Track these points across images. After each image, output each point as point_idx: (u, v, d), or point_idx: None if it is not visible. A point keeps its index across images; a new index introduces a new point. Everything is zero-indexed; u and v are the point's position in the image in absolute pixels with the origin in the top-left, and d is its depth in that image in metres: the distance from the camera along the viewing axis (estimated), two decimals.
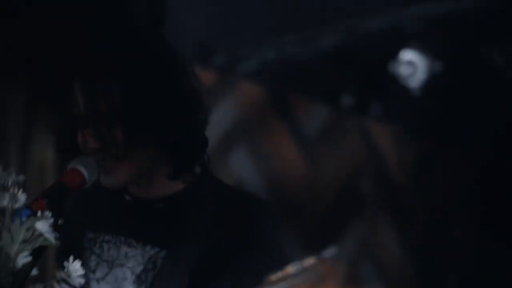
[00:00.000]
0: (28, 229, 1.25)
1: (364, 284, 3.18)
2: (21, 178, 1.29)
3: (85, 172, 1.46)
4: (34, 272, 1.28)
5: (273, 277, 1.58)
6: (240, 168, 3.09)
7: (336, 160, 3.19)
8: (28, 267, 1.25)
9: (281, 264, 1.66)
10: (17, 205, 1.29)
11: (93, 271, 1.63)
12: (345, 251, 3.14)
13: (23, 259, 1.26)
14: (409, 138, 3.09)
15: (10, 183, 1.29)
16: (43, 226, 1.26)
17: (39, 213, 1.28)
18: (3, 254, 1.23)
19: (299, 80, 3.04)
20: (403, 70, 2.73)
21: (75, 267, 1.30)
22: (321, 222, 3.13)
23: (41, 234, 1.27)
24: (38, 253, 1.29)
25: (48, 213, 1.28)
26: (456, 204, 3.17)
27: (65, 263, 1.31)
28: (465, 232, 3.16)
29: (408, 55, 2.80)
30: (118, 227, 1.65)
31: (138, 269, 1.62)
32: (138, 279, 1.61)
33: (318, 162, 3.17)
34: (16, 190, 1.29)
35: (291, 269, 1.64)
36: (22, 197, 1.29)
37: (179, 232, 1.62)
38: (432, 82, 2.75)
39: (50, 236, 1.26)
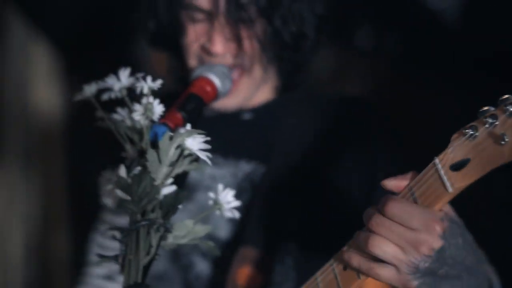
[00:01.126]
0: (176, 148, 0.96)
1: None
2: (158, 83, 1.00)
3: (217, 81, 1.16)
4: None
5: None
6: None
7: None
8: (178, 197, 0.96)
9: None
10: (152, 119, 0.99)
11: None
12: None
13: (169, 187, 0.97)
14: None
15: (145, 90, 0.99)
16: (194, 144, 0.97)
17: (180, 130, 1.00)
18: (148, 179, 0.94)
19: None
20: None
21: (226, 197, 1.02)
22: None
23: (188, 155, 0.98)
24: (180, 181, 1.01)
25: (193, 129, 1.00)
26: None
27: (211, 193, 1.03)
28: None
29: None
30: None
31: None
32: None
33: None
34: (151, 99, 0.99)
35: None
36: (159, 109, 0.99)
37: (276, 143, 1.36)
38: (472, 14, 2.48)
39: (204, 156, 0.97)
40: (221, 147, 1.35)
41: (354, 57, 2.93)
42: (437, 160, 0.94)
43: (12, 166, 2.50)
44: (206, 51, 1.27)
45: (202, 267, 1.34)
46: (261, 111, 1.40)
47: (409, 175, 0.98)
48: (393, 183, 0.98)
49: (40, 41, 2.48)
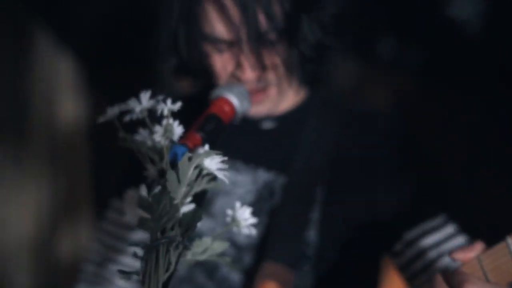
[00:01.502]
0: (195, 168, 1.00)
1: None
2: (178, 105, 1.03)
3: (235, 102, 1.20)
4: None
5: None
6: None
7: None
8: (196, 216, 1.00)
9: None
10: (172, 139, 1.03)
11: None
12: None
13: (188, 206, 1.01)
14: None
15: (165, 111, 1.03)
16: (212, 164, 1.01)
17: (199, 150, 1.04)
18: (167, 198, 0.98)
19: None
20: (457, 11, 2.34)
21: (244, 214, 1.05)
22: None
23: (206, 175, 1.02)
24: (199, 200, 1.04)
25: (211, 150, 1.03)
26: None
27: (228, 210, 1.06)
28: None
29: None
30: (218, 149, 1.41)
31: (249, 197, 1.38)
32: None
33: None
34: (171, 120, 1.03)
35: None
36: (178, 130, 1.03)
37: (298, 153, 1.39)
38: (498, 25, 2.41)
39: (222, 176, 1.01)
40: (241, 154, 1.39)
41: (375, 70, 2.94)
42: (509, 240, 1.01)
43: (39, 175, 2.56)
44: (236, 78, 1.31)
45: (227, 269, 1.36)
46: (282, 120, 1.42)
47: (476, 246, 1.04)
48: (461, 256, 1.04)
49: (66, 56, 2.54)
